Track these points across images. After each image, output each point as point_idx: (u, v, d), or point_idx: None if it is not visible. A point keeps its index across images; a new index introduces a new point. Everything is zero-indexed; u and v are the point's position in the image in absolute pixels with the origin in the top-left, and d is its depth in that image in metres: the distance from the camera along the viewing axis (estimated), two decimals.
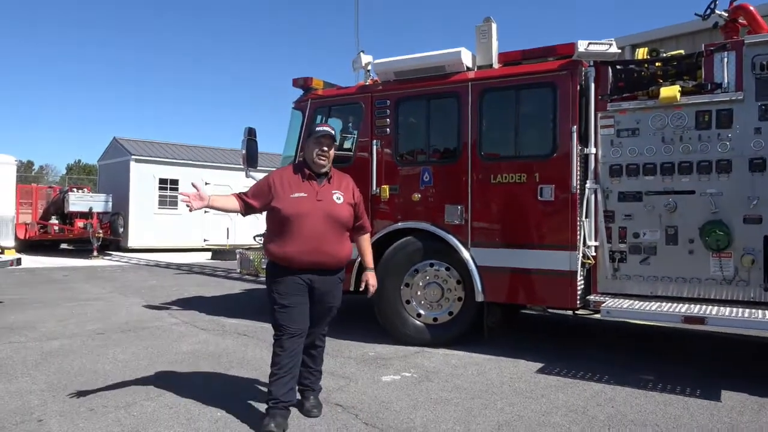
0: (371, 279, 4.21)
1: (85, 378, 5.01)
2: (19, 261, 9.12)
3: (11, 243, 17.37)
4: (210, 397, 4.54)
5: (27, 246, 19.11)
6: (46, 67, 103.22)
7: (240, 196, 4.01)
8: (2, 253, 16.57)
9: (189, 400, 4.44)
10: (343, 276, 4.10)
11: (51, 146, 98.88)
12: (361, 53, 6.79)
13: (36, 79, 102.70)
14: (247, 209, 3.99)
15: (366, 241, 4.28)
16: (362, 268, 4.32)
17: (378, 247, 6.38)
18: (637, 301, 5.31)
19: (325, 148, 3.91)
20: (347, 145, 7.44)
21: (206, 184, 20.82)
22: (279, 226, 3.85)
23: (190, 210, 3.71)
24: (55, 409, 4.24)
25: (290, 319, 3.84)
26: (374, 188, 6.48)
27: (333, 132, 3.97)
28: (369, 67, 6.80)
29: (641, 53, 5.58)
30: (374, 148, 6.52)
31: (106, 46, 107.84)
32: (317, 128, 3.97)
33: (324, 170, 3.94)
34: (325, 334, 4.25)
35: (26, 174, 45.42)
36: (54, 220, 19.07)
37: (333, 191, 3.93)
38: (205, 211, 18.42)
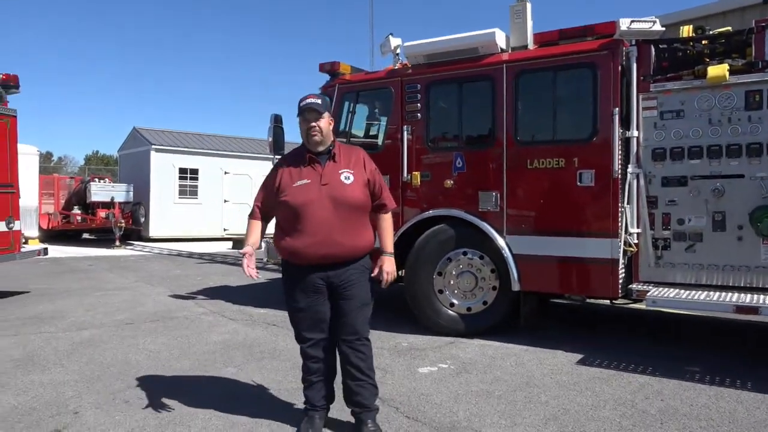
0: (386, 265, 3.51)
1: (117, 369, 4.94)
2: (45, 251, 9.15)
3: (35, 233, 17.52)
4: (245, 388, 4.45)
5: (50, 236, 19.23)
6: (62, 58, 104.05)
7: (256, 213, 3.58)
8: (26, 242, 16.73)
9: (224, 392, 4.36)
10: (368, 264, 3.52)
11: (69, 137, 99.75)
12: (390, 36, 6.60)
13: (54, 70, 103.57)
14: (268, 218, 3.60)
15: (385, 220, 3.61)
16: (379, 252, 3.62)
17: (409, 236, 6.26)
18: (682, 290, 5.11)
19: (313, 123, 3.34)
20: (375, 131, 7.30)
21: (226, 173, 20.82)
22: (286, 219, 3.39)
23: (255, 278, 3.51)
24: (90, 401, 4.17)
25: (305, 325, 3.48)
26: (405, 175, 6.33)
27: (318, 101, 3.37)
28: (398, 51, 6.61)
29: (686, 31, 5.33)
30: (404, 133, 6.35)
31: (125, 36, 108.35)
32: (300, 104, 3.40)
33: (322, 148, 3.39)
34: (365, 337, 3.51)
35: (45, 165, 45.82)
36: (76, 210, 19.16)
37: (340, 171, 3.37)
38: (225, 201, 18.31)
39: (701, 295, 4.89)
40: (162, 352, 5.49)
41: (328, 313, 3.46)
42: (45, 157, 53.92)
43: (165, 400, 4.13)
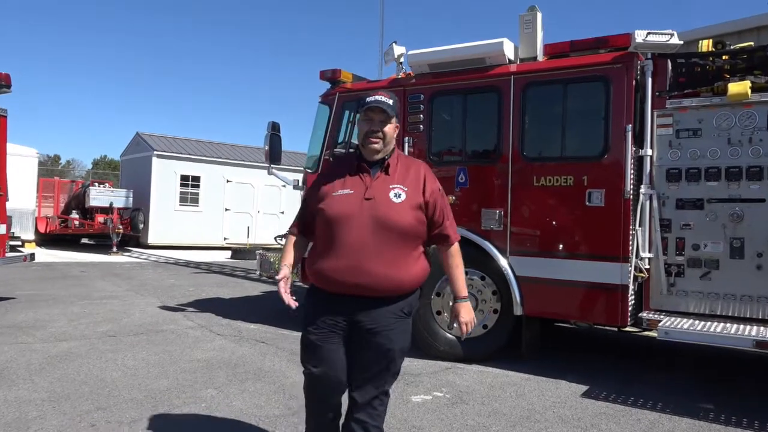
0: (463, 313, 2.85)
1: (90, 387, 4.62)
2: (33, 256, 8.87)
3: (31, 236, 17.31)
4: (223, 414, 4.13)
5: (48, 240, 19.01)
6: (73, 62, 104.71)
7: (294, 227, 2.97)
8: (23, 245, 16.52)
9: (200, 417, 4.03)
10: (408, 308, 2.77)
11: (77, 141, 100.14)
12: (394, 44, 6.34)
13: (66, 74, 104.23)
14: (309, 235, 2.91)
15: (452, 256, 2.86)
16: (416, 300, 2.87)
17: None
18: (696, 321, 4.78)
19: (376, 128, 2.72)
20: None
21: (227, 182, 20.58)
22: (320, 233, 2.77)
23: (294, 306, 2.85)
24: (53, 423, 3.85)
25: (315, 359, 2.76)
26: None
27: (389, 101, 2.75)
28: (402, 59, 6.35)
29: (705, 45, 5.05)
30: (405, 145, 6.05)
31: (135, 41, 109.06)
32: (366, 98, 2.79)
33: (378, 157, 2.76)
34: (385, 395, 2.84)
35: (53, 168, 45.82)
36: (75, 215, 18.94)
37: (392, 186, 2.70)
38: (226, 209, 18.04)
39: (717, 328, 4.55)
40: (140, 369, 5.17)
41: (338, 356, 2.74)
42: (53, 160, 54.08)
43: (133, 426, 3.81)
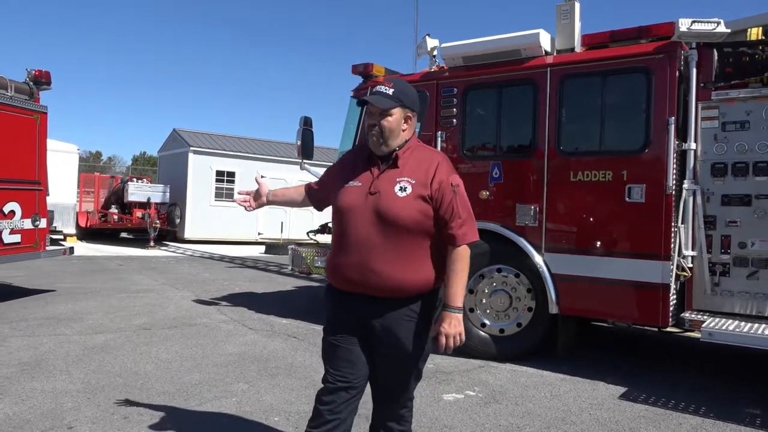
0: (447, 324, 2.50)
1: (124, 379, 4.68)
2: (72, 250, 9.04)
3: (72, 230, 17.78)
4: (254, 409, 4.11)
5: (88, 234, 19.48)
6: (114, 60, 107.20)
7: (308, 184, 3.01)
8: (64, 239, 16.96)
9: (230, 412, 4.03)
10: (422, 310, 2.57)
11: (118, 138, 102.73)
12: (427, 37, 6.24)
13: (111, 73, 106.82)
14: (311, 197, 2.94)
15: (455, 259, 2.54)
16: (438, 302, 2.62)
17: None
18: (742, 322, 4.57)
19: (374, 122, 2.54)
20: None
21: (262, 177, 20.71)
22: (334, 223, 2.67)
23: (247, 210, 3.00)
24: (87, 414, 3.90)
25: (331, 361, 2.59)
26: None
27: (387, 91, 2.53)
28: (435, 52, 6.25)
29: (755, 33, 4.80)
30: (438, 140, 5.96)
31: (174, 39, 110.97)
32: (369, 90, 2.79)
33: (385, 150, 2.57)
34: (407, 405, 2.70)
35: (94, 164, 47.03)
36: (114, 210, 19.37)
37: (399, 179, 2.52)
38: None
39: (766, 330, 4.33)
40: (174, 362, 5.21)
41: (357, 357, 2.57)
42: (94, 157, 55.53)
43: (165, 419, 3.83)
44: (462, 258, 2.54)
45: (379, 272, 2.47)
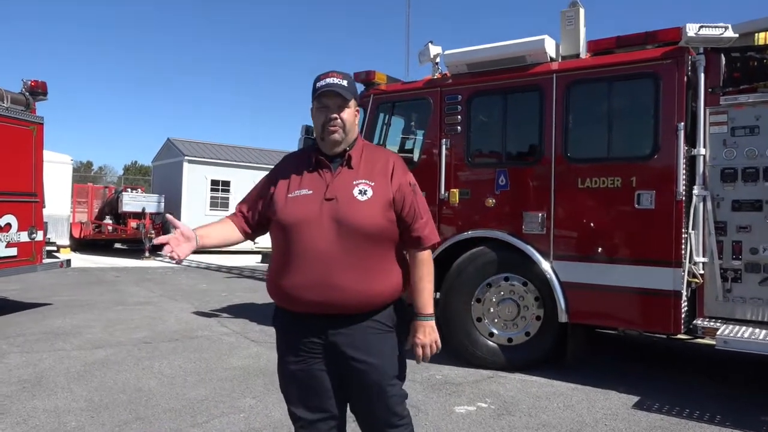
0: (421, 334, 2.37)
1: (127, 396, 4.56)
2: (69, 262, 8.91)
3: (66, 241, 17.58)
4: (264, 425, 4.02)
5: (82, 245, 19.28)
6: (105, 69, 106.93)
7: (234, 214, 2.54)
8: (58, 251, 16.78)
9: (239, 429, 3.93)
10: (391, 321, 2.34)
11: (109, 147, 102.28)
12: (430, 44, 6.18)
13: (100, 82, 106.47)
14: (248, 225, 2.48)
15: (419, 262, 2.37)
16: (408, 311, 2.43)
17: (445, 258, 5.77)
18: (757, 329, 4.52)
19: (334, 114, 2.29)
20: (410, 145, 6.89)
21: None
22: (277, 241, 2.33)
23: (177, 262, 2.35)
24: None
25: (293, 397, 2.33)
26: (442, 192, 5.86)
27: (342, 82, 2.31)
28: (438, 59, 6.19)
29: (763, 38, 4.79)
30: (443, 147, 5.90)
31: (168, 49, 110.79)
32: (317, 83, 2.32)
33: (339, 149, 2.34)
34: (400, 417, 2.35)
35: (86, 174, 46.74)
36: (108, 220, 19.20)
37: (356, 182, 2.28)
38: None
39: None
40: (177, 377, 5.11)
41: (327, 383, 2.30)
42: (85, 167, 55.19)
43: None
44: (428, 262, 2.39)
45: (343, 288, 2.19)
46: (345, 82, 2.32)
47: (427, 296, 2.38)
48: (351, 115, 2.34)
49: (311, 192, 2.28)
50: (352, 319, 2.26)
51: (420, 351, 2.38)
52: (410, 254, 2.39)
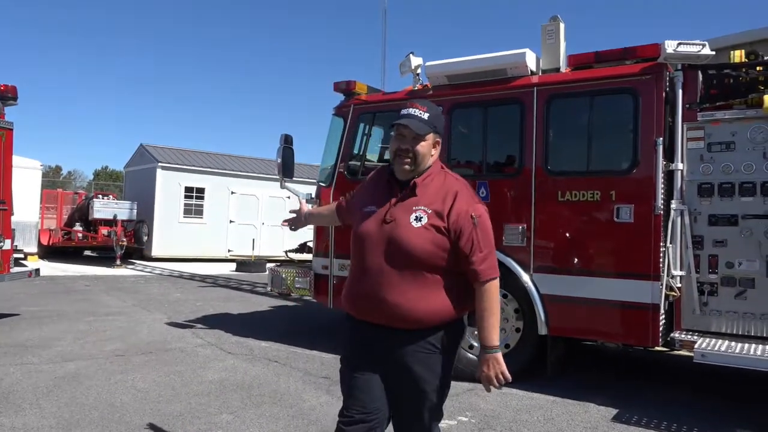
0: (487, 367, 2.40)
1: (99, 412, 4.42)
2: (38, 272, 8.65)
3: (34, 249, 17.12)
4: None
5: (50, 252, 18.81)
6: (77, 72, 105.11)
7: (339, 202, 3.01)
8: (25, 258, 16.32)
9: None
10: (439, 342, 2.42)
11: (79, 152, 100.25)
12: (411, 55, 6.19)
13: (67, 84, 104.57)
14: (339, 215, 2.97)
15: (481, 296, 2.41)
16: (456, 334, 2.51)
17: None
18: (733, 342, 4.58)
19: (406, 146, 2.43)
20: (390, 156, 6.85)
21: (232, 193, 20.42)
22: (352, 251, 2.59)
23: (292, 230, 3.32)
24: None
25: (347, 392, 2.53)
26: None
27: (423, 115, 2.45)
28: (419, 71, 6.19)
29: (738, 56, 4.88)
30: None
31: (138, 51, 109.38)
32: (402, 110, 2.50)
33: (411, 176, 2.48)
34: None
35: (54, 179, 45.74)
36: (78, 227, 18.76)
37: (415, 207, 2.41)
38: (231, 221, 17.79)
39: (758, 350, 4.35)
40: (151, 391, 4.97)
41: (375, 387, 2.47)
42: (54, 171, 54.03)
43: None
44: (489, 296, 2.41)
45: (389, 303, 2.37)
46: (426, 115, 2.46)
47: (489, 329, 2.40)
48: (426, 147, 2.47)
49: (377, 211, 2.49)
50: (401, 334, 2.41)
51: (487, 384, 2.44)
52: (474, 288, 2.43)
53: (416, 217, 2.40)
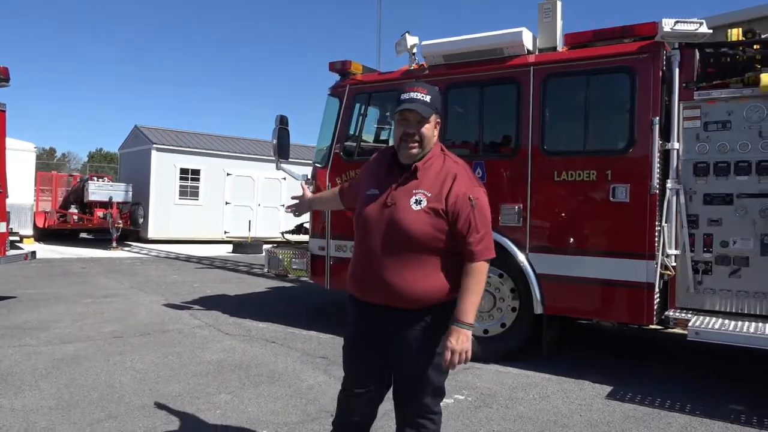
0: (454, 339, 2.41)
1: (98, 393, 4.45)
2: (34, 254, 8.64)
3: (29, 231, 17.08)
4: (240, 422, 3.96)
5: (46, 235, 18.77)
6: (71, 54, 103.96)
7: (342, 186, 3.10)
8: (21, 241, 16.29)
9: (216, 425, 3.87)
10: (436, 320, 2.50)
11: (73, 134, 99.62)
12: (407, 34, 6.13)
13: (60, 65, 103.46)
14: (343, 199, 3.01)
15: (468, 274, 2.45)
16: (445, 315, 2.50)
17: None
18: (726, 320, 4.62)
19: (412, 130, 2.46)
20: (386, 135, 6.85)
21: (228, 175, 20.35)
22: (355, 233, 2.67)
23: (295, 216, 3.37)
24: None
25: (347, 366, 2.73)
26: None
27: (426, 98, 2.47)
28: (414, 50, 6.14)
29: (735, 34, 4.85)
30: None
31: (133, 32, 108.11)
32: (401, 96, 2.51)
33: (413, 161, 2.52)
34: (432, 412, 2.61)
35: (48, 161, 45.44)
36: (73, 209, 18.68)
37: (415, 191, 2.47)
38: (227, 203, 17.78)
39: (750, 328, 4.39)
40: (150, 372, 5.00)
41: (374, 363, 2.63)
42: (48, 154, 53.63)
43: None
44: (477, 274, 2.46)
45: (390, 284, 2.46)
46: (428, 98, 2.49)
47: (468, 305, 2.44)
48: (430, 129, 2.51)
49: (379, 194, 2.55)
50: (402, 313, 2.49)
51: (448, 355, 2.42)
52: (465, 264, 2.48)
53: (416, 200, 2.46)
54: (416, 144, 2.48)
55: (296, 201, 3.24)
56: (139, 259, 15.00)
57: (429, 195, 2.46)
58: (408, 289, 2.45)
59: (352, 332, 2.68)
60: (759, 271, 4.64)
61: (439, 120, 2.57)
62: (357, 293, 2.63)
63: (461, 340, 2.42)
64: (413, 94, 2.48)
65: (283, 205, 20.31)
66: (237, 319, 7.28)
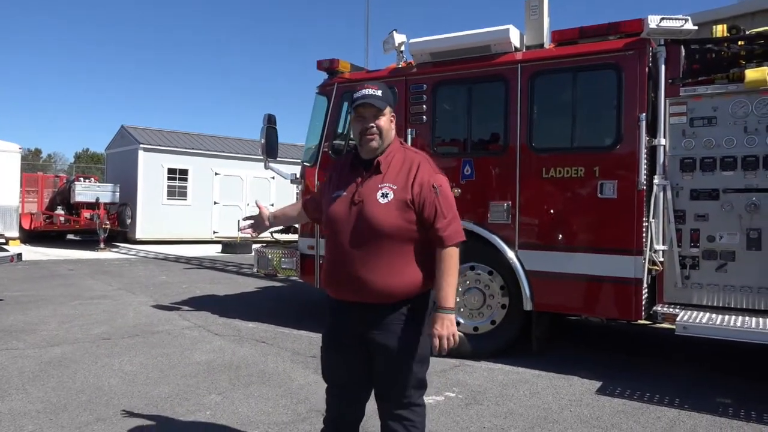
0: (440, 326, 2.49)
1: (87, 396, 4.41)
2: (20, 256, 8.54)
3: (15, 233, 16.91)
4: (231, 422, 3.94)
5: (32, 236, 18.59)
6: (57, 54, 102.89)
7: (305, 199, 3.16)
8: (7, 243, 16.11)
9: (206, 427, 3.85)
10: (412, 312, 2.56)
11: (59, 134, 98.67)
12: (394, 32, 6.12)
13: (45, 65, 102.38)
14: (308, 212, 3.04)
15: (442, 259, 2.51)
16: (429, 304, 2.63)
17: None
18: (714, 315, 4.67)
19: (371, 123, 2.53)
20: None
21: (216, 174, 20.24)
22: (326, 235, 2.77)
23: (252, 237, 3.36)
24: None
25: (325, 365, 2.79)
26: None
27: (378, 93, 2.55)
28: (402, 48, 6.13)
29: (720, 30, 4.90)
30: (408, 137, 5.86)
31: (119, 31, 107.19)
32: (354, 95, 2.59)
33: (376, 154, 2.58)
34: (413, 403, 2.65)
35: (34, 162, 44.97)
36: (60, 210, 18.50)
37: (381, 185, 2.51)
38: (215, 202, 17.60)
39: (737, 322, 4.44)
40: (139, 374, 4.96)
41: (355, 362, 2.65)
42: (33, 154, 53.05)
43: None
44: (449, 258, 2.52)
45: (362, 280, 2.50)
46: (380, 92, 2.57)
47: (447, 290, 2.51)
48: (386, 122, 2.58)
49: (345, 194, 2.59)
50: (378, 309, 2.53)
51: (437, 342, 2.51)
52: (436, 251, 2.54)
53: (383, 194, 2.51)
54: (375, 135, 2.54)
55: (251, 221, 3.13)
56: (127, 260, 14.89)
57: (395, 187, 2.51)
58: (382, 285, 2.49)
59: (329, 330, 2.73)
60: (745, 265, 4.68)
61: (393, 114, 2.65)
62: (332, 293, 2.67)
63: (446, 325, 2.50)
64: (365, 91, 2.57)
65: (272, 204, 20.36)
66: (226, 320, 7.25)
